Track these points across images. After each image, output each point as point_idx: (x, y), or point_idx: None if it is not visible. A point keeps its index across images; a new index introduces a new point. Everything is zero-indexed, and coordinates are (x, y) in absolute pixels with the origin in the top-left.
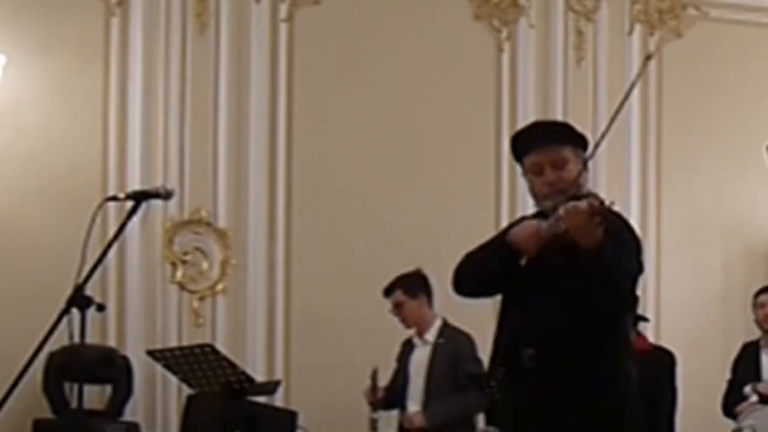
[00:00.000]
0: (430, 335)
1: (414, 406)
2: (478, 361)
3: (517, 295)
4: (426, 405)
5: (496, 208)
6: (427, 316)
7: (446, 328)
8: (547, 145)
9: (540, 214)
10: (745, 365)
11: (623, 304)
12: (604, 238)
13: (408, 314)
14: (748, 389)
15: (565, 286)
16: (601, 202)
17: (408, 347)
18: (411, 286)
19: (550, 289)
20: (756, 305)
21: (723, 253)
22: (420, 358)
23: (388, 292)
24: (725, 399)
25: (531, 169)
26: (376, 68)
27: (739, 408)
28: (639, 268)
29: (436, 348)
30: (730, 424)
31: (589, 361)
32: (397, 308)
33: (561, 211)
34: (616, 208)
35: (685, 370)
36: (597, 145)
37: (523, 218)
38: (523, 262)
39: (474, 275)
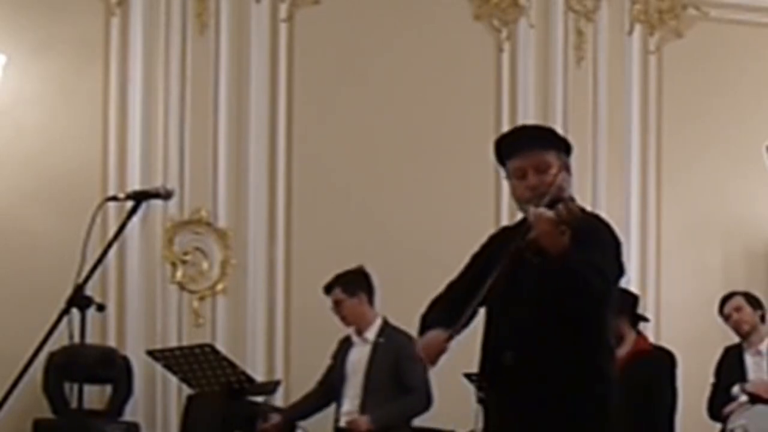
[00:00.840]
0: (370, 334)
1: (349, 404)
2: (420, 361)
3: (498, 299)
4: (364, 403)
5: (496, 208)
6: (367, 315)
7: (387, 328)
8: (530, 149)
9: (524, 221)
10: (729, 368)
11: (596, 305)
12: (570, 246)
13: (347, 312)
14: (736, 389)
15: (541, 288)
16: (574, 209)
17: (345, 345)
18: (350, 284)
19: (528, 292)
20: (724, 318)
21: (723, 253)
22: (358, 356)
23: (327, 289)
24: (710, 403)
25: (514, 173)
26: (376, 68)
27: (728, 409)
28: (619, 270)
29: (376, 347)
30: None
31: (565, 362)
32: (337, 306)
33: (531, 216)
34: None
35: (685, 370)
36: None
37: (506, 228)
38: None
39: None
